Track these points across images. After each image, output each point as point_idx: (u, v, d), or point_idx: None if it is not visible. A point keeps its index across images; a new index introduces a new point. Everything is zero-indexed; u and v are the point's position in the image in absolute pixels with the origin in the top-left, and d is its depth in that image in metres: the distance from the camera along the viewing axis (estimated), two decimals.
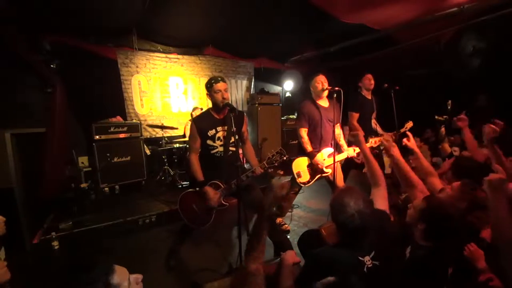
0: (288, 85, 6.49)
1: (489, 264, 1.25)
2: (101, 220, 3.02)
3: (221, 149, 2.19)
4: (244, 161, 4.57)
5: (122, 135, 4.06)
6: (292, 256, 1.31)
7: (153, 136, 4.89)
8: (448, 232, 1.24)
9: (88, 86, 4.11)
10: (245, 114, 2.42)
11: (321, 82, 2.74)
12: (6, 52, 2.77)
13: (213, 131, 2.16)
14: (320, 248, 1.19)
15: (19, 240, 2.51)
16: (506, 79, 3.70)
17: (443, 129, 3.04)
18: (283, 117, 5.97)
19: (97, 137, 3.82)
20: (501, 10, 3.26)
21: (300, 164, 2.82)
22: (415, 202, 1.39)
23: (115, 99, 4.52)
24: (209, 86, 2.10)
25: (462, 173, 1.74)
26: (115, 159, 3.97)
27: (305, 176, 2.81)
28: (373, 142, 2.48)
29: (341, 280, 1.09)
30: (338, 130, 2.88)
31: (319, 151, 2.80)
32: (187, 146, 3.75)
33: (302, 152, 2.82)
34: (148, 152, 4.40)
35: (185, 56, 5.16)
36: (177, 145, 4.56)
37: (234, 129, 1.95)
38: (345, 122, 3.12)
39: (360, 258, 1.12)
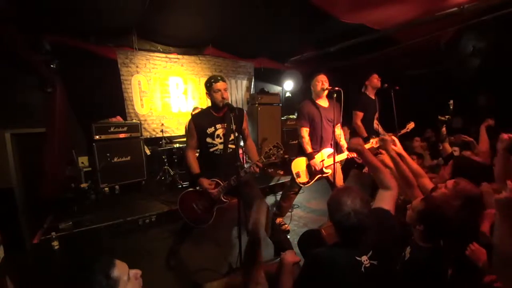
0: (288, 85, 6.49)
1: (491, 261, 1.24)
2: (101, 220, 3.02)
3: (220, 147, 2.18)
4: (244, 161, 4.59)
5: (122, 135, 4.07)
6: (292, 256, 1.31)
7: (153, 136, 4.89)
8: (447, 233, 1.24)
9: (88, 86, 4.11)
10: (245, 111, 2.41)
11: (321, 81, 2.74)
12: (6, 52, 2.76)
13: (212, 129, 2.16)
14: (319, 248, 1.19)
15: (19, 240, 2.51)
16: (506, 79, 3.70)
17: (444, 129, 3.04)
18: (283, 117, 5.96)
19: (97, 137, 3.83)
20: (501, 10, 3.26)
21: (300, 164, 2.82)
22: (414, 203, 1.38)
23: (115, 99, 4.51)
24: (209, 85, 2.10)
25: (461, 173, 1.73)
26: (115, 159, 3.97)
27: (304, 177, 2.81)
28: (374, 142, 2.48)
29: (340, 280, 1.09)
30: (339, 131, 2.88)
31: (319, 151, 2.80)
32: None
33: (302, 152, 2.81)
34: (148, 152, 4.41)
35: (185, 56, 5.15)
36: (177, 145, 4.56)
37: (234, 126, 1.95)
38: (345, 123, 3.11)
39: (358, 258, 1.12)
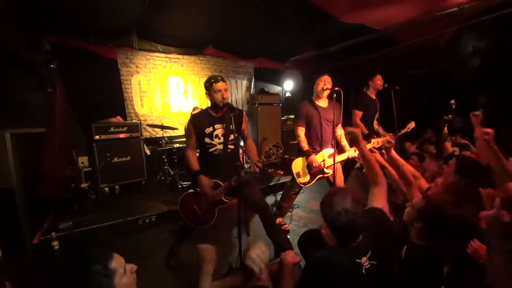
0: (288, 85, 6.48)
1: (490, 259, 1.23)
2: (101, 220, 3.02)
3: (220, 147, 2.18)
4: (244, 161, 4.59)
5: (122, 135, 4.06)
6: (292, 256, 1.31)
7: (153, 136, 4.89)
8: (444, 231, 1.25)
9: (88, 86, 4.11)
10: (244, 112, 2.41)
11: (324, 81, 2.73)
12: (6, 52, 2.76)
13: (211, 129, 2.15)
14: (319, 251, 1.19)
15: (19, 240, 2.51)
16: (506, 79, 3.70)
17: (445, 128, 3.03)
18: (283, 117, 5.97)
19: (97, 137, 3.82)
20: (501, 10, 3.26)
21: (300, 164, 2.82)
22: (414, 201, 1.40)
23: (115, 99, 4.51)
24: (209, 85, 2.09)
25: (461, 173, 1.74)
26: (115, 159, 3.97)
27: (305, 176, 2.80)
28: (375, 142, 2.48)
29: (342, 284, 1.09)
30: (340, 131, 2.88)
31: (319, 151, 2.79)
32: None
33: (302, 152, 2.81)
34: (148, 152, 4.40)
35: (185, 56, 5.15)
36: (177, 145, 4.56)
37: (234, 126, 1.95)
38: (345, 123, 3.11)
39: (358, 260, 1.12)
